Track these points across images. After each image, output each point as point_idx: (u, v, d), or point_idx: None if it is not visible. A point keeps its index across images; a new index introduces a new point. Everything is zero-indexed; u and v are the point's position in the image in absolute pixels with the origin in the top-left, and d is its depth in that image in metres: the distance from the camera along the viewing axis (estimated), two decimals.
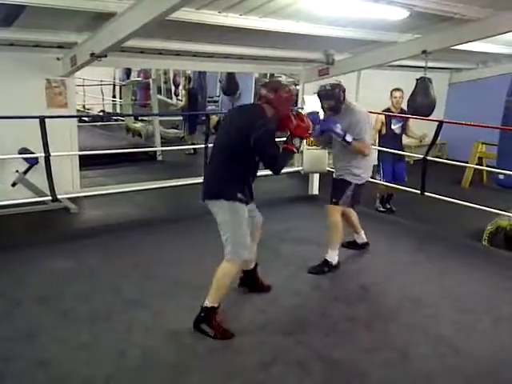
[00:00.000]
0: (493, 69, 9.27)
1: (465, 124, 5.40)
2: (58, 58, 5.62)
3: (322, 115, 4.12)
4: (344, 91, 3.97)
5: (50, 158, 4.73)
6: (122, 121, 11.61)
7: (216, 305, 3.14)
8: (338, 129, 3.91)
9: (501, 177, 5.92)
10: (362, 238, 4.68)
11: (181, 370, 2.85)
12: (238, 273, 3.31)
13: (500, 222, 5.11)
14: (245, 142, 2.98)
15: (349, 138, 3.91)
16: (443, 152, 10.10)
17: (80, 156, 6.26)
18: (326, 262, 4.13)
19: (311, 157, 6.26)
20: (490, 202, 5.21)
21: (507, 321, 3.46)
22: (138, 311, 3.45)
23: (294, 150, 3.13)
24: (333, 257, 4.14)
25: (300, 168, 6.62)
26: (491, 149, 7.74)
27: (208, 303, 3.13)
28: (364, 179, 4.20)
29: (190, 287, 3.79)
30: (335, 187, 4.18)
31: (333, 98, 3.96)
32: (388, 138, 6.14)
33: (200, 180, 5.90)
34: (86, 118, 11.64)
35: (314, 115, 3.95)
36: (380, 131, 6.17)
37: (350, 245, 4.68)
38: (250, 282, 3.71)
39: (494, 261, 4.61)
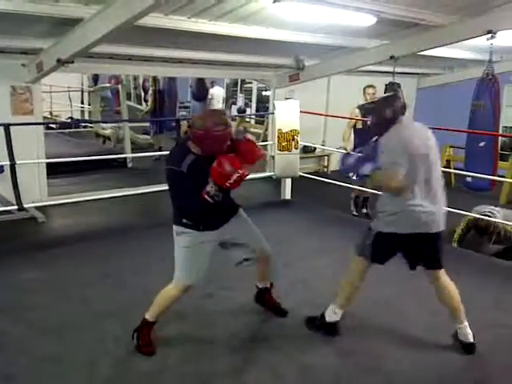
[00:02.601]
0: (459, 74, 9.48)
1: (431, 128, 5.49)
2: (23, 65, 5.50)
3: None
4: (395, 108, 2.99)
5: (16, 166, 4.63)
6: (91, 127, 11.42)
7: (151, 319, 3.08)
8: (346, 164, 3.15)
9: (468, 179, 6.03)
10: (463, 333, 3.13)
11: (153, 379, 2.82)
12: (179, 296, 3.08)
13: (468, 218, 5.26)
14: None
15: (365, 171, 3.05)
16: None
17: (47, 164, 6.12)
18: (321, 317, 3.33)
19: (283, 161, 6.29)
20: (458, 204, 5.31)
21: (476, 321, 3.51)
22: (108, 321, 3.39)
23: (206, 197, 2.70)
24: (329, 312, 3.29)
25: (272, 173, 6.63)
26: (459, 152, 7.90)
27: (147, 315, 3.08)
28: (396, 227, 2.99)
29: None
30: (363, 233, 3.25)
31: (372, 114, 3.19)
32: (364, 133, 6.13)
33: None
34: (53, 125, 11.41)
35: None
36: (355, 126, 6.19)
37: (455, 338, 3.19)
38: (262, 300, 3.59)
39: (463, 262, 4.69)
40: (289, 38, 5.82)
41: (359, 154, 3.16)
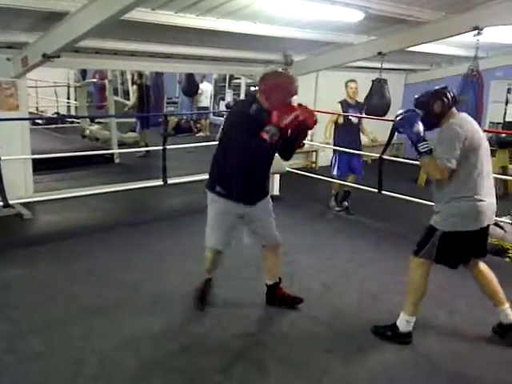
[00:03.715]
0: (446, 70, 9.54)
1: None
2: (8, 59, 5.41)
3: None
4: (446, 101, 2.99)
5: (1, 162, 4.56)
6: (78, 123, 11.31)
7: (207, 276, 3.56)
8: (415, 128, 2.96)
9: None
10: (507, 314, 3.21)
11: (140, 376, 2.80)
12: (210, 257, 3.46)
13: None
14: (222, 132, 3.23)
15: (422, 147, 2.94)
16: (400, 151, 10.32)
17: (33, 160, 6.05)
18: (392, 326, 3.22)
19: None
20: None
21: (461, 314, 3.56)
22: (95, 318, 3.37)
23: (264, 136, 2.91)
24: (403, 322, 3.18)
25: None
26: None
27: (206, 272, 3.55)
28: (461, 225, 3.00)
29: (147, 291, 3.74)
30: (423, 232, 3.17)
31: (422, 107, 3.06)
32: (346, 128, 6.17)
33: (158, 182, 5.84)
34: (39, 121, 11.29)
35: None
36: (336, 122, 6.21)
37: (498, 329, 3.26)
38: (274, 298, 3.61)
39: None
40: (277, 33, 5.79)
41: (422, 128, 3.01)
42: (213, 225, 3.31)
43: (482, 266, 3.24)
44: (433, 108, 3.00)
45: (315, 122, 3.14)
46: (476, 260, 3.22)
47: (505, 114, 9.72)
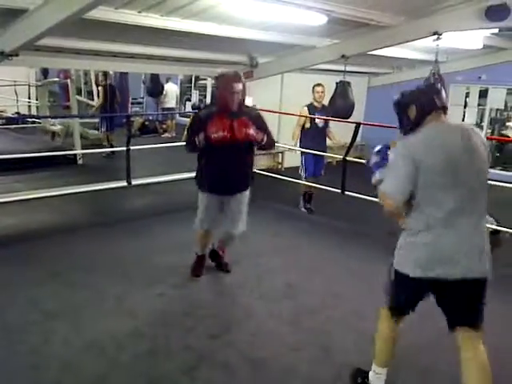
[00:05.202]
0: (408, 73, 9.77)
1: (380, 125, 5.62)
2: None
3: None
4: (425, 104, 2.32)
5: None
6: (39, 123, 11.03)
7: (198, 252, 4.07)
8: (371, 162, 2.59)
9: None
10: None
11: (102, 380, 2.76)
12: (199, 239, 3.99)
13: None
14: None
15: (377, 175, 2.56)
16: (363, 153, 10.50)
17: None
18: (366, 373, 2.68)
19: None
20: None
21: (425, 313, 3.63)
22: (56, 322, 3.30)
23: (196, 140, 3.51)
24: (372, 376, 2.62)
25: None
26: None
27: (195, 249, 4.07)
28: (407, 266, 2.34)
29: (110, 294, 3.69)
30: None
31: (397, 109, 2.45)
32: (312, 132, 6.24)
33: (121, 184, 5.76)
34: None
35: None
36: (303, 125, 6.28)
37: None
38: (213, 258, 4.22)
39: None
40: (242, 35, 5.82)
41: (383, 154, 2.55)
42: (198, 210, 3.86)
43: (480, 350, 2.26)
44: (405, 111, 2.38)
45: (247, 138, 3.56)
46: (468, 332, 2.30)
47: (464, 116, 10.02)
